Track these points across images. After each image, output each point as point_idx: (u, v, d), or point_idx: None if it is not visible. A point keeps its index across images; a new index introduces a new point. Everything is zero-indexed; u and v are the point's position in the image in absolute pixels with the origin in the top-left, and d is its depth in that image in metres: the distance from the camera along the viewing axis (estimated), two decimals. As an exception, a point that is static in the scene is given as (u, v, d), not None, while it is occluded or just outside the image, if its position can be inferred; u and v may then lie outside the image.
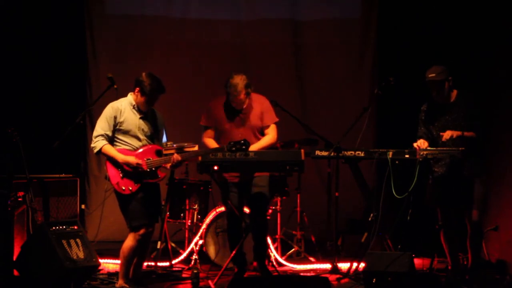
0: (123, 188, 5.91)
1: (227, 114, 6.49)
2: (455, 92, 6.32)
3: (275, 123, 6.57)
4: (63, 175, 7.52)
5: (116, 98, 6.13)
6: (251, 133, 6.49)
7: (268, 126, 6.54)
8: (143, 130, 6.02)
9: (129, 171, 5.91)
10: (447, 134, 6.08)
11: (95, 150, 5.95)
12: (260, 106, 6.51)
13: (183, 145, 7.05)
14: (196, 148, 6.99)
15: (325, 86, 9.14)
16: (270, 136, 6.53)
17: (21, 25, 8.58)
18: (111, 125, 5.95)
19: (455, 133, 6.08)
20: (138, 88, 5.97)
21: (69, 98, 8.69)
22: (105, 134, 5.95)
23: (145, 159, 5.95)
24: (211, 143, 6.47)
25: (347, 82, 9.12)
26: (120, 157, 5.91)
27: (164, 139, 6.86)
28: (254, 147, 6.35)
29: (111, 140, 5.98)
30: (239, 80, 6.33)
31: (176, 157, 6.00)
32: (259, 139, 6.51)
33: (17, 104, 8.42)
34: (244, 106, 6.46)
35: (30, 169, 6.73)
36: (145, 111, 6.03)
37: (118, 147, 5.97)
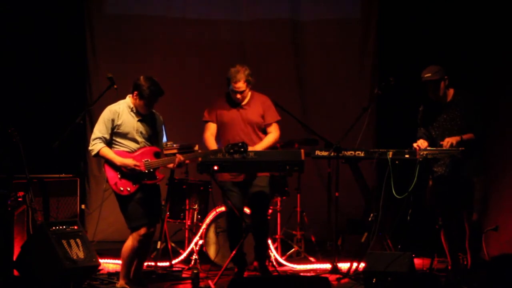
0: (121, 189, 5.91)
1: (228, 107, 6.53)
2: (451, 92, 6.33)
3: (277, 121, 6.59)
4: (63, 175, 7.52)
5: (116, 98, 6.12)
6: (251, 129, 6.52)
7: (270, 125, 6.56)
8: (141, 132, 6.01)
9: (127, 173, 5.91)
10: (446, 142, 6.08)
11: (93, 153, 5.95)
12: (261, 105, 6.55)
13: (184, 145, 7.05)
14: (196, 148, 6.99)
15: (325, 86, 9.12)
16: (273, 135, 6.56)
17: (21, 25, 8.57)
18: (109, 128, 5.95)
19: (455, 140, 6.08)
20: (136, 92, 5.95)
21: (69, 98, 8.68)
22: (103, 137, 5.94)
23: (143, 160, 5.95)
24: (211, 142, 6.48)
25: (347, 82, 9.11)
26: (118, 160, 5.90)
27: (164, 139, 6.86)
28: (258, 146, 6.41)
29: (109, 142, 5.97)
30: (241, 68, 6.43)
31: (180, 157, 6.01)
32: (259, 136, 6.53)
33: (17, 104, 8.41)
34: (246, 98, 6.49)
35: (30, 169, 6.74)
36: (144, 114, 6.03)
37: (116, 149, 5.97)
